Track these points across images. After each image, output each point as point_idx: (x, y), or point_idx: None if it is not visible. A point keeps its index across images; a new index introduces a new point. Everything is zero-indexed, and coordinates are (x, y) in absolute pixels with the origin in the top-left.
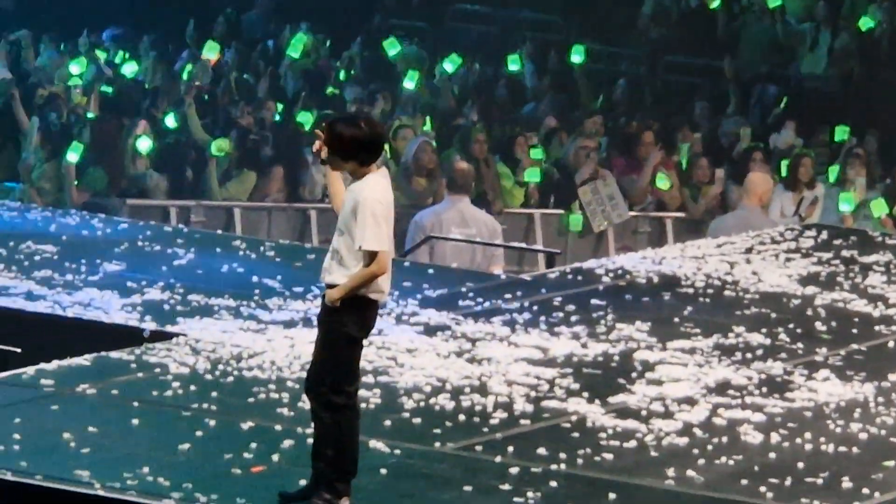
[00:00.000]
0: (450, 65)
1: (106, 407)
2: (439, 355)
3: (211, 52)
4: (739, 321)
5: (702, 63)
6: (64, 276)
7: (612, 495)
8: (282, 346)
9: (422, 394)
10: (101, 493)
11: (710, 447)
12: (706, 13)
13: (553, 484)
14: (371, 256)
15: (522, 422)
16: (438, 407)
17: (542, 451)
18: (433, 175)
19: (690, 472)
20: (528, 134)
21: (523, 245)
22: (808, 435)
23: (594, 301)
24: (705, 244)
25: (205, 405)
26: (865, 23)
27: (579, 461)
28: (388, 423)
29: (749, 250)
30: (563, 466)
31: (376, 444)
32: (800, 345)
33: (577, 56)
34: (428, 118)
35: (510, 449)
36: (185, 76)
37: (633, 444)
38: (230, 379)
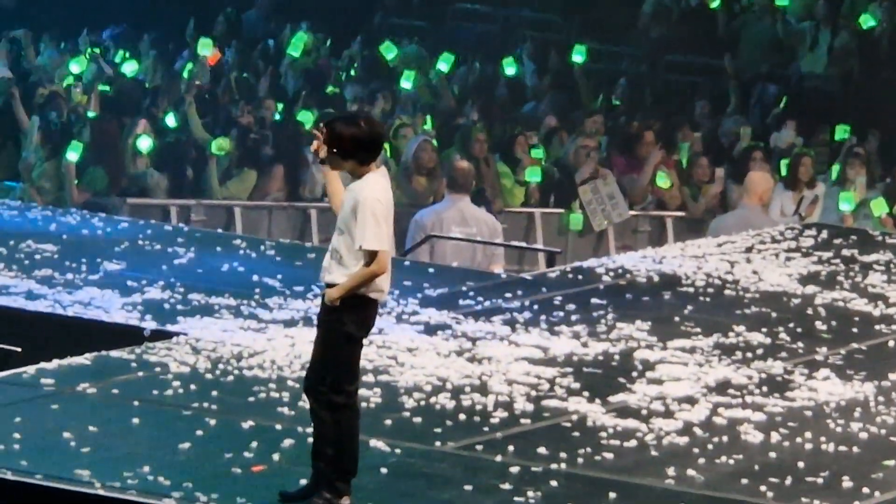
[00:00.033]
0: (444, 64)
1: (106, 406)
2: (440, 354)
3: (205, 48)
4: (740, 320)
5: (702, 62)
6: (64, 275)
7: (612, 494)
8: (282, 345)
9: (422, 393)
10: (101, 492)
11: (710, 446)
12: (706, 12)
13: (553, 483)
14: (371, 256)
15: (523, 421)
16: (439, 406)
17: (542, 450)
18: (433, 174)
19: (691, 472)
20: (529, 133)
21: (524, 244)
22: (808, 434)
23: (594, 300)
24: (705, 243)
25: (205, 404)
26: (866, 20)
27: (580, 460)
28: (388, 422)
29: (749, 249)
30: (563, 466)
31: (377, 443)
32: (800, 344)
33: (578, 56)
34: (428, 117)
35: (510, 448)
36: (185, 75)
37: (633, 443)
38: (230, 378)
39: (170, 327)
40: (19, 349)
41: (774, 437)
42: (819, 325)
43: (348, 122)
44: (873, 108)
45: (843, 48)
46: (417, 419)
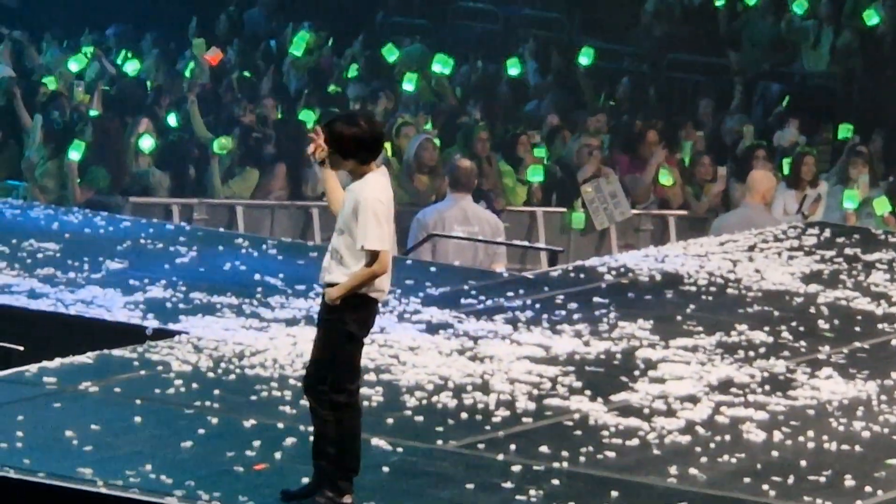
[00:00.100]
0: (438, 65)
1: (108, 405)
2: (441, 353)
3: (199, 49)
4: (742, 319)
5: (706, 60)
6: (66, 273)
7: (614, 493)
8: (284, 343)
9: (424, 392)
10: (103, 490)
11: (712, 445)
12: (709, 10)
13: (555, 482)
14: (373, 256)
15: (525, 420)
16: (441, 405)
17: (544, 449)
18: (435, 173)
19: (693, 471)
20: (531, 132)
21: (526, 243)
22: (810, 433)
23: (596, 299)
24: (708, 242)
25: (207, 403)
26: (870, 16)
27: (581, 459)
28: (390, 420)
29: (752, 248)
30: (565, 464)
31: (378, 441)
32: (802, 343)
33: (584, 58)
34: (429, 117)
35: (512, 447)
36: (187, 74)
37: (635, 442)
38: (232, 377)
39: (172, 326)
40: (21, 348)
41: (777, 435)
42: (821, 323)
43: (349, 122)
44: (876, 106)
45: (846, 47)
46: (419, 418)
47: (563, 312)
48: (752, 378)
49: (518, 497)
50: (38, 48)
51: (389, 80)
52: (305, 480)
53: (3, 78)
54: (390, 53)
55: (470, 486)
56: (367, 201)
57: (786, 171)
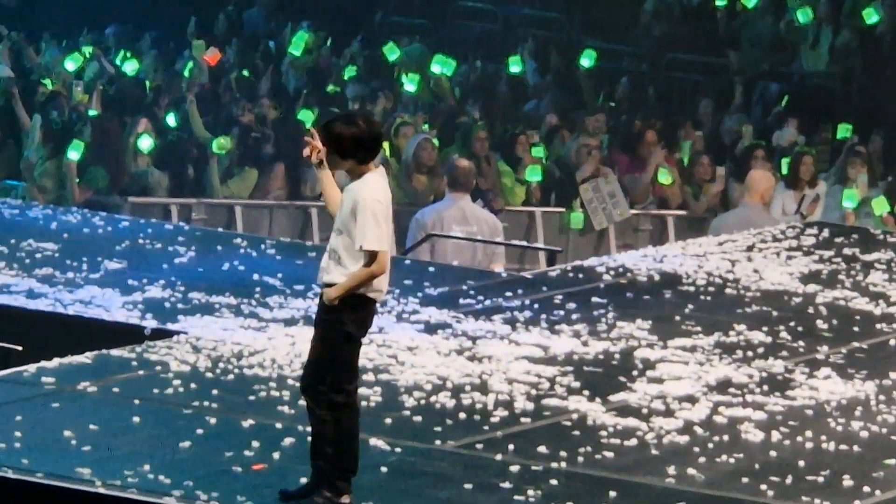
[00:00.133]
0: (437, 66)
1: (107, 405)
2: (440, 353)
3: (198, 50)
4: (740, 319)
5: (705, 60)
6: (65, 273)
7: (612, 493)
8: (283, 344)
9: (422, 392)
10: (101, 490)
11: (710, 445)
12: (709, 10)
13: (553, 482)
14: (371, 256)
15: (523, 420)
16: (439, 405)
17: (542, 449)
18: (433, 172)
19: (691, 471)
20: (530, 132)
21: (524, 243)
22: (809, 433)
23: (595, 299)
24: (706, 242)
25: (206, 403)
26: (869, 14)
27: (580, 459)
28: (388, 421)
29: (750, 248)
30: (563, 464)
31: (377, 441)
32: (801, 343)
33: (586, 60)
34: (428, 116)
35: (511, 447)
36: (186, 74)
37: (633, 442)
38: (231, 377)
39: (170, 326)
40: (20, 348)
41: (775, 435)
42: (820, 323)
43: (347, 122)
44: (875, 106)
45: (845, 46)
46: (418, 418)
47: (562, 312)
48: (750, 378)
49: (516, 497)
50: (37, 48)
51: (389, 79)
52: (304, 480)
53: (2, 78)
54: (392, 52)
55: (468, 486)
56: (366, 201)
57: (784, 171)
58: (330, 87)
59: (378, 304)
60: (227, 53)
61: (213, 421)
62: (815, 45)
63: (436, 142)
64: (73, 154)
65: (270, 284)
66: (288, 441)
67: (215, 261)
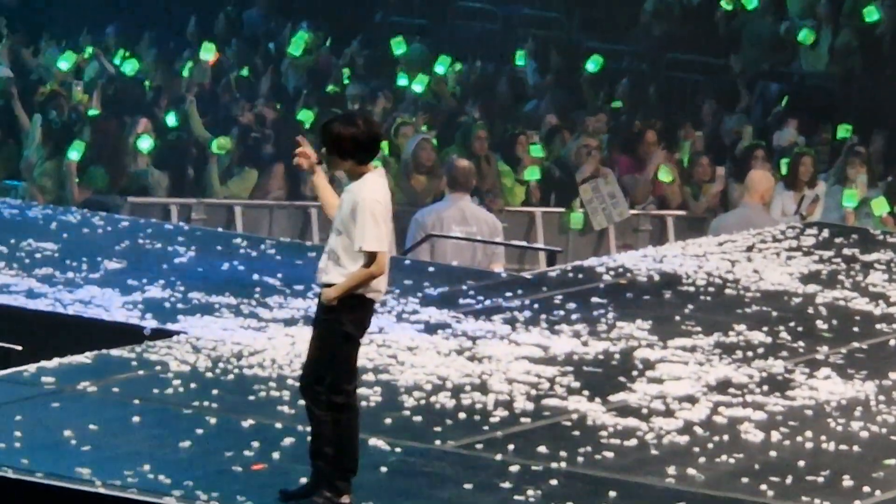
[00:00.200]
0: (440, 66)
1: (107, 405)
2: (440, 353)
3: (208, 53)
4: (740, 319)
5: (705, 60)
6: (65, 273)
7: (612, 493)
8: (282, 344)
9: (422, 392)
10: (101, 490)
11: (710, 445)
12: (709, 10)
13: (553, 482)
14: (371, 257)
15: (523, 420)
16: (439, 405)
17: (542, 449)
18: (433, 173)
19: (691, 471)
20: (529, 132)
21: (524, 243)
22: (808, 433)
23: (595, 299)
24: (706, 242)
25: (205, 403)
26: (870, 13)
27: (580, 459)
28: (388, 421)
29: (750, 248)
30: (563, 465)
31: (377, 441)
32: (801, 343)
33: (592, 65)
34: (427, 116)
35: (510, 447)
36: (185, 74)
37: (633, 442)
38: (231, 377)
39: (170, 326)
40: (20, 347)
41: (775, 436)
42: (820, 324)
43: (346, 123)
44: (875, 107)
45: (845, 47)
46: (417, 418)
47: (562, 312)
48: (750, 378)
49: (516, 497)
50: (37, 48)
51: (389, 79)
52: (304, 480)
53: (2, 78)
54: (398, 46)
55: (468, 486)
56: (366, 202)
57: (784, 171)
58: (329, 87)
59: (377, 304)
60: (227, 53)
61: (212, 421)
62: (815, 45)
63: (435, 142)
64: (73, 154)
65: (270, 284)
66: (288, 441)
67: (215, 261)
